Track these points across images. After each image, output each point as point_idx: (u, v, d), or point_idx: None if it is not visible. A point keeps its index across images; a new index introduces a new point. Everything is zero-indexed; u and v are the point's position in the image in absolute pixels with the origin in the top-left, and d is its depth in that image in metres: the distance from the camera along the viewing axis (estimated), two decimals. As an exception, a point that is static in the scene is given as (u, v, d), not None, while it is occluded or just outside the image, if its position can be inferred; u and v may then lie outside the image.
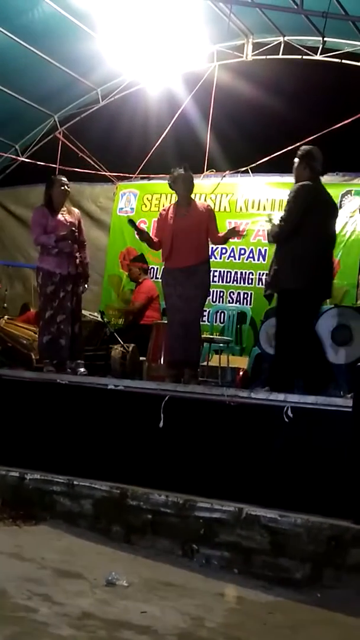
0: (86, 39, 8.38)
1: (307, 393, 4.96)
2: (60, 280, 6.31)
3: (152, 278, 8.83)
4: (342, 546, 4.09)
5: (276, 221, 5.45)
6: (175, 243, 5.94)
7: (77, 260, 6.40)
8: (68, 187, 6.57)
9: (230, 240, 6.72)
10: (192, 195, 6.22)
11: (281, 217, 5.35)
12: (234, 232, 6.26)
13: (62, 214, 6.44)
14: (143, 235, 6.22)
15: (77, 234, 6.43)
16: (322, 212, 5.37)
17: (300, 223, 5.22)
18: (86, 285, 6.61)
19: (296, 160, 5.47)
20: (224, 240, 6.29)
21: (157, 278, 8.17)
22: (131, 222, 6.44)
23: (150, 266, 8.97)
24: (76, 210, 6.72)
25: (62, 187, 6.49)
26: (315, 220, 5.27)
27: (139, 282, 8.58)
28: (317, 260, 5.29)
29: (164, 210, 6.28)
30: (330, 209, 5.51)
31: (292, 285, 5.24)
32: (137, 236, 6.28)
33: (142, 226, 8.22)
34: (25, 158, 10.04)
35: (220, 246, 8.49)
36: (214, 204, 8.83)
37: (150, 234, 6.33)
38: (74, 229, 6.39)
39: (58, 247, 6.29)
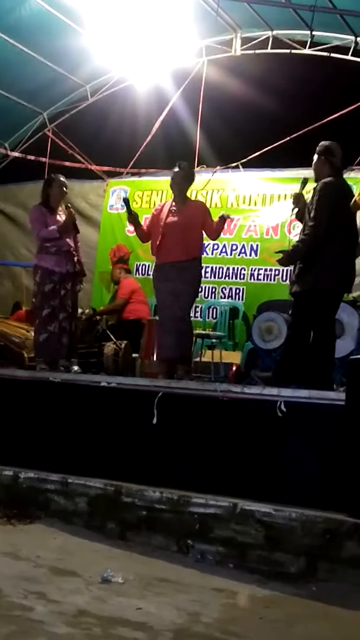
0: (74, 35, 8.35)
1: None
2: (60, 279, 6.29)
3: (142, 275, 8.84)
4: (337, 539, 4.10)
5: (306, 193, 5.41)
6: (164, 238, 5.91)
7: (76, 259, 6.39)
8: (66, 187, 6.55)
9: (223, 235, 6.63)
10: (188, 193, 6.19)
11: (311, 219, 5.22)
12: (223, 219, 6.06)
13: (58, 213, 6.43)
14: (132, 217, 6.09)
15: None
16: (346, 208, 5.34)
17: (331, 222, 5.17)
18: (82, 285, 6.61)
19: (315, 156, 5.42)
20: (220, 229, 6.13)
21: (149, 275, 8.16)
22: (126, 200, 6.30)
23: (141, 263, 8.96)
24: (72, 211, 6.69)
25: (61, 187, 6.47)
26: (342, 216, 5.24)
27: (119, 281, 8.59)
28: (346, 257, 5.26)
29: (160, 205, 6.28)
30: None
31: (325, 284, 5.18)
32: (127, 216, 6.18)
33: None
34: (15, 156, 10.00)
35: (212, 242, 8.47)
36: (205, 201, 8.82)
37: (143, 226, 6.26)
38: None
39: (58, 245, 6.26)
